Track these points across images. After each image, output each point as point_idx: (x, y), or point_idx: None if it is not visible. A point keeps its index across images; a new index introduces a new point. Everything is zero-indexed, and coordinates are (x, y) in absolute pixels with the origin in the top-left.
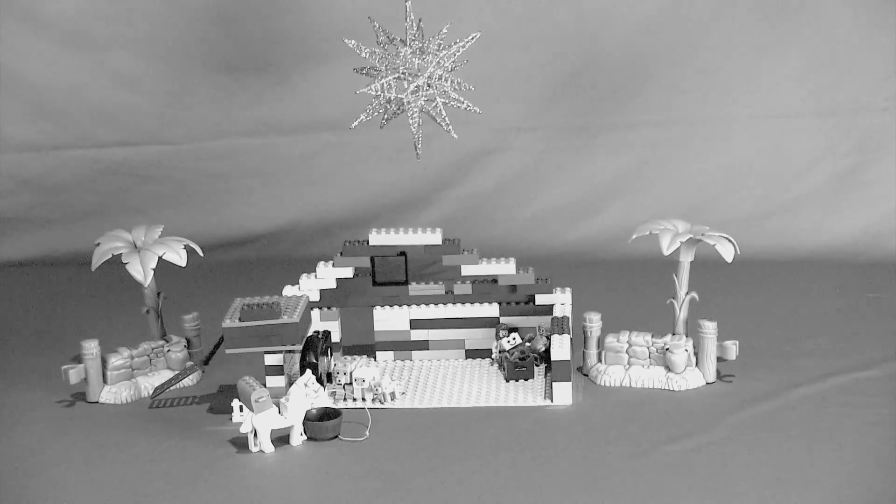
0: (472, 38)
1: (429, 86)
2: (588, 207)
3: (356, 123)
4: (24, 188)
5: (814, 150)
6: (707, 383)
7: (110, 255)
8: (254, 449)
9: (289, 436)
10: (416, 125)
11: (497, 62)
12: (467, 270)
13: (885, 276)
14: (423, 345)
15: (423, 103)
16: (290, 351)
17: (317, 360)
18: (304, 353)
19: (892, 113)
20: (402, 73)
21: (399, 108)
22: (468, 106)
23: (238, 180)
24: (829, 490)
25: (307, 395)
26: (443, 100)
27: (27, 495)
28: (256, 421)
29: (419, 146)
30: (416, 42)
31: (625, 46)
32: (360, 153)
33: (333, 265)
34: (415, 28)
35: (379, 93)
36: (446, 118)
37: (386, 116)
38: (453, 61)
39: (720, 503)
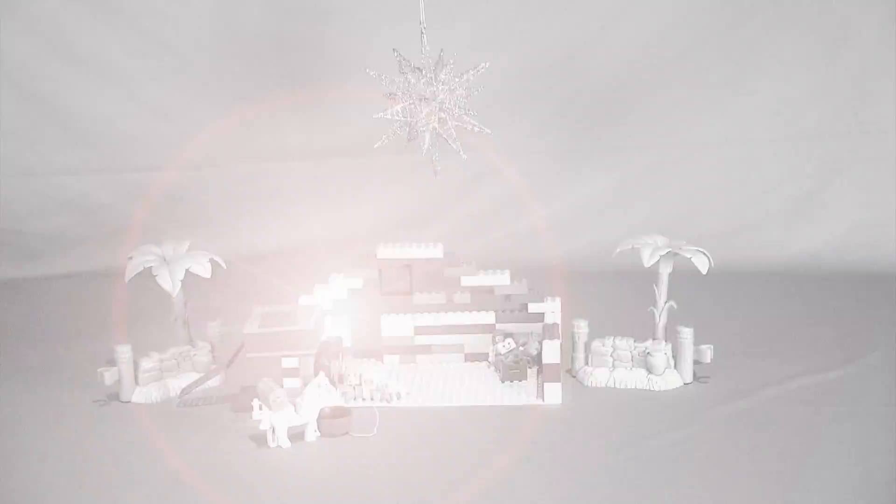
0: (483, 67)
1: (441, 110)
2: (576, 224)
3: (379, 144)
4: (65, 208)
5: (779, 172)
6: (685, 384)
7: (142, 268)
8: (272, 444)
9: (304, 432)
10: (426, 147)
11: (495, 93)
12: (466, 281)
13: (844, 286)
14: (426, 349)
15: (435, 126)
16: (305, 355)
17: (329, 363)
18: (318, 356)
19: (848, 138)
20: (417, 98)
21: (416, 131)
22: (480, 128)
23: (258, 201)
24: (797, 479)
25: (320, 394)
26: (455, 123)
27: (64, 485)
28: (274, 418)
29: (437, 166)
30: (430, 71)
31: (609, 79)
32: (370, 176)
33: (345, 277)
34: (432, 59)
35: (398, 117)
36: (457, 139)
37: (408, 138)
38: (466, 88)
39: (696, 492)
